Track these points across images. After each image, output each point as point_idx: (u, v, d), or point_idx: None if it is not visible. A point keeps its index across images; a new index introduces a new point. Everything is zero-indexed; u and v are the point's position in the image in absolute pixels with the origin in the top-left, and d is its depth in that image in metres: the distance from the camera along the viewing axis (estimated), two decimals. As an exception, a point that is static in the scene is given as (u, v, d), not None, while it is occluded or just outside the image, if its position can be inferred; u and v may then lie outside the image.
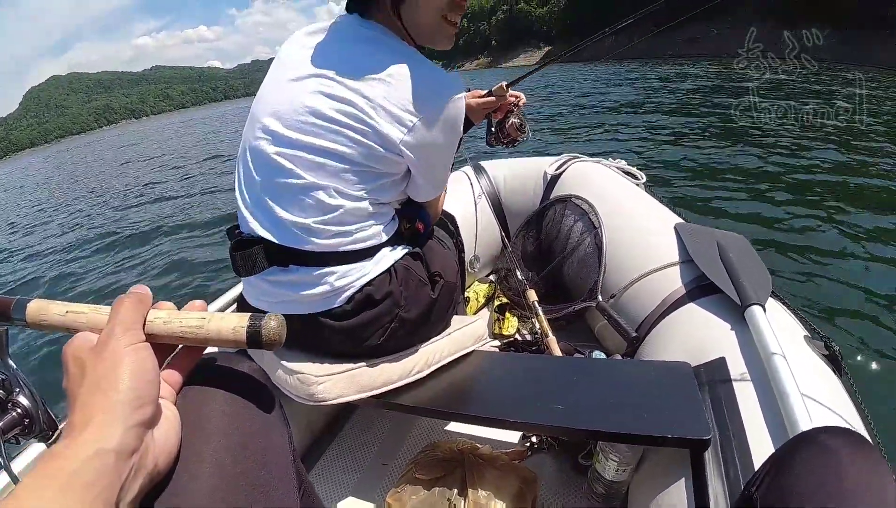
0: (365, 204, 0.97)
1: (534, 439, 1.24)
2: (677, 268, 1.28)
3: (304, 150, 0.91)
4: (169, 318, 0.47)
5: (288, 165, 0.92)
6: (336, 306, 0.99)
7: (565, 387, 1.04)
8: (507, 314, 1.79)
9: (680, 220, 1.47)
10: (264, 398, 0.55)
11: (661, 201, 1.65)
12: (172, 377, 0.49)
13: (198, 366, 0.52)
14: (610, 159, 1.92)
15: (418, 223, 1.13)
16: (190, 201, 8.74)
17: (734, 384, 0.89)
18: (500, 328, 1.76)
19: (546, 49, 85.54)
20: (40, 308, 0.50)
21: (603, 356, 1.40)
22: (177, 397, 0.49)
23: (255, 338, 0.46)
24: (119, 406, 0.39)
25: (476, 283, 2.06)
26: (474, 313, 1.90)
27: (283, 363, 1.03)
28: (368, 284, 0.99)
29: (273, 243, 0.95)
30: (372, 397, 1.05)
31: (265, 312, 1.02)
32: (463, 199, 2.02)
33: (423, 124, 0.92)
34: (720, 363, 0.95)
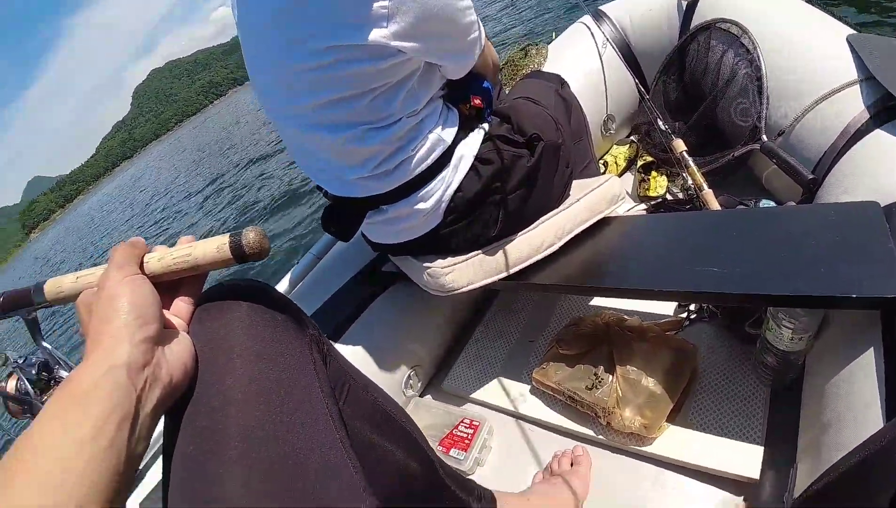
0: (403, 122, 0.90)
1: (692, 307, 1.20)
2: (856, 88, 1.09)
3: (319, 114, 0.87)
4: (161, 255, 0.53)
5: (316, 137, 0.90)
6: (439, 221, 1.02)
7: (726, 245, 0.97)
8: (654, 174, 1.68)
9: (852, 31, 1.23)
10: (278, 307, 0.59)
11: (827, 12, 1.37)
12: (179, 308, 0.55)
13: (207, 295, 0.57)
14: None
15: (474, 99, 1.03)
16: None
17: None
18: (647, 189, 1.67)
19: None
20: (55, 284, 0.57)
21: (772, 204, 1.27)
22: (187, 325, 0.55)
23: (238, 252, 0.51)
24: (124, 328, 0.45)
25: (614, 146, 1.95)
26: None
27: (418, 262, 1.09)
28: (458, 190, 0.99)
29: (353, 198, 0.99)
30: (504, 279, 1.09)
31: (387, 245, 1.09)
32: (585, 54, 1.86)
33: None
34: None
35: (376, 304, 1.37)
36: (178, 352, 0.49)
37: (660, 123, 1.55)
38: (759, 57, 1.34)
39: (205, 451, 0.45)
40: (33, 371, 0.63)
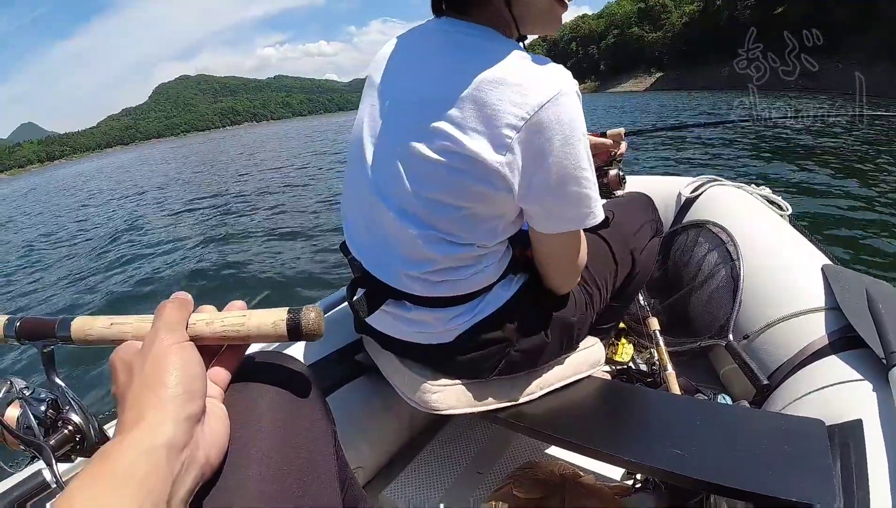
0: (471, 249, 0.92)
1: (639, 476, 1.24)
2: (822, 315, 1.24)
3: (418, 204, 0.88)
4: (211, 319, 0.51)
5: (397, 221, 0.91)
6: (447, 341, 1.03)
7: (682, 429, 1.05)
8: (623, 340, 1.79)
9: (828, 261, 1.42)
10: (309, 394, 0.58)
11: (808, 238, 1.58)
12: (219, 376, 0.52)
13: (244, 365, 0.56)
14: (753, 186, 1.86)
15: (531, 251, 1.04)
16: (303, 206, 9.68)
17: (867, 450, 0.87)
18: (614, 353, 1.76)
19: (657, 75, 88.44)
20: (84, 324, 0.54)
21: (729, 400, 1.37)
22: (224, 395, 0.52)
23: (295, 330, 0.50)
24: (169, 402, 0.42)
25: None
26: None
27: (404, 367, 1.12)
28: (480, 323, 1.01)
29: (387, 285, 1.00)
30: (480, 411, 1.12)
31: (383, 334, 1.10)
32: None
33: (527, 138, 0.79)
34: (856, 426, 0.93)
35: (341, 392, 1.36)
36: (216, 430, 0.47)
37: (640, 297, 1.68)
38: (740, 265, 1.51)
39: None
40: (41, 408, 0.58)
